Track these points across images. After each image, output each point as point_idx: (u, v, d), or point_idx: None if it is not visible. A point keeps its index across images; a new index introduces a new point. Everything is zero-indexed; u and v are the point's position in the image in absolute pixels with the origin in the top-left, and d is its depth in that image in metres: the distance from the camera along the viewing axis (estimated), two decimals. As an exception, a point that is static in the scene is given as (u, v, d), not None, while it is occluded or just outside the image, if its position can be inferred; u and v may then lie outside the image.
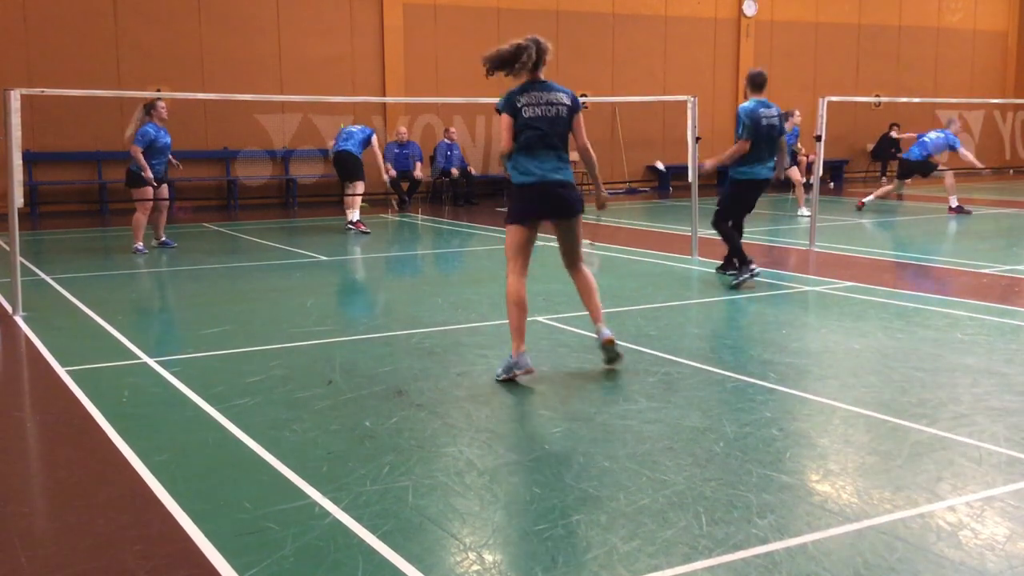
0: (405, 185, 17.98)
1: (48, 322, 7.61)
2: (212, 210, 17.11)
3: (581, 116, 6.14)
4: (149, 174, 11.38)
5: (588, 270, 6.15)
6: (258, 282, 10.06)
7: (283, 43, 18.00)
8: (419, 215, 16.53)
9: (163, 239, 12.09)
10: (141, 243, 11.71)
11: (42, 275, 9.82)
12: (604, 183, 6.84)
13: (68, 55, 16.22)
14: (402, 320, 7.75)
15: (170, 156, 11.77)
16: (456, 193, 18.43)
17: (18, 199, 8.02)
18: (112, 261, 11.88)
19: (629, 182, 21.18)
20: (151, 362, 6.26)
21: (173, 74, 16.94)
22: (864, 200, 16.60)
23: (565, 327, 7.21)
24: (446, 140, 18.47)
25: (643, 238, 13.09)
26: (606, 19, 20.97)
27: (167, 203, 12.06)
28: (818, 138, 11.68)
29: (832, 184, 22.11)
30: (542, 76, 6.01)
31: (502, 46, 5.92)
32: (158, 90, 16.16)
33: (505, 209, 6.54)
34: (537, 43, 5.90)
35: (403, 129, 18.17)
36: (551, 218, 6.06)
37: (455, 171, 18.31)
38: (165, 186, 11.84)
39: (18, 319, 7.66)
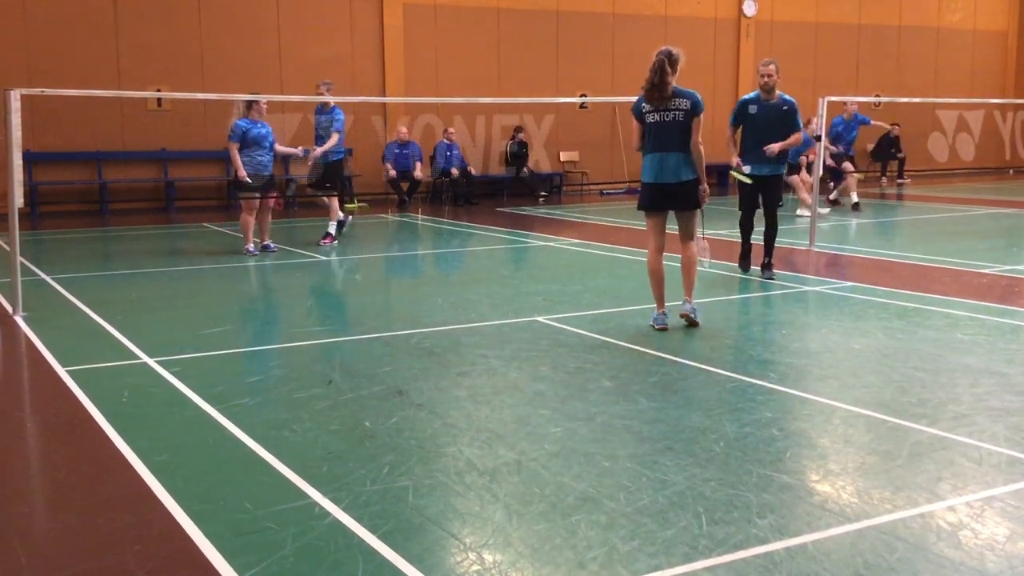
0: (405, 185, 17.98)
1: (48, 322, 7.60)
2: (212, 210, 17.11)
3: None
4: (243, 174, 11.20)
5: (695, 248, 7.28)
6: (257, 282, 10.06)
7: (283, 43, 17.99)
8: (419, 215, 16.53)
9: (266, 242, 11.65)
10: (251, 244, 11.49)
11: (42, 275, 9.82)
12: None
13: (68, 55, 16.21)
14: (402, 320, 7.75)
15: (295, 150, 11.85)
16: (456, 193, 18.42)
17: (18, 199, 8.02)
18: (112, 261, 11.89)
19: (629, 182, 21.18)
20: (151, 362, 6.26)
21: (173, 74, 16.94)
22: (840, 199, 17.35)
23: (565, 327, 7.21)
24: (445, 140, 18.46)
25: (643, 238, 13.07)
26: (606, 19, 20.97)
27: (271, 204, 11.81)
28: (818, 138, 11.69)
29: (832, 184, 22.07)
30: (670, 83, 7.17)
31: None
32: (158, 90, 16.17)
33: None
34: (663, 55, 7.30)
35: (403, 129, 18.16)
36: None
37: (455, 171, 18.31)
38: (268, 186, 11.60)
39: (18, 319, 7.66)
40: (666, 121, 7.04)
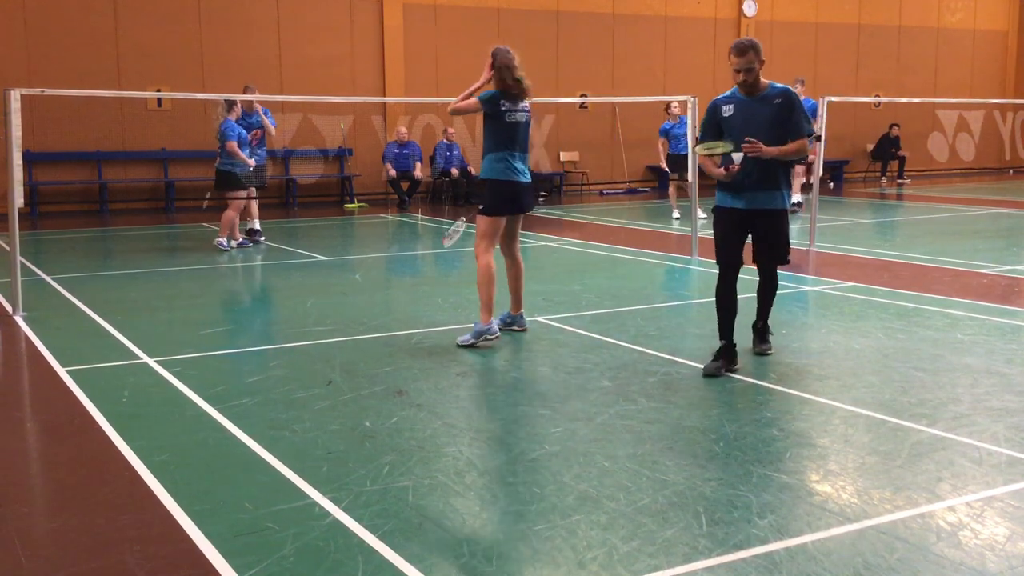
0: (405, 185, 17.98)
1: (48, 322, 7.61)
2: (212, 210, 17.10)
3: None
4: (252, 161, 11.49)
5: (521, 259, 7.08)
6: (258, 282, 10.07)
7: (283, 43, 17.99)
8: (419, 215, 16.54)
9: (241, 239, 11.96)
10: (225, 239, 11.71)
11: (42, 275, 9.82)
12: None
13: (68, 55, 16.21)
14: (402, 320, 7.75)
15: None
16: (456, 193, 18.42)
17: (18, 199, 8.02)
18: (112, 261, 11.88)
19: (629, 182, 21.18)
20: (151, 362, 6.26)
21: (173, 74, 16.94)
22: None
23: (565, 327, 7.21)
24: (445, 140, 18.47)
25: (643, 238, 13.09)
26: (606, 19, 20.97)
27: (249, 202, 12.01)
28: (818, 138, 11.68)
29: (832, 184, 22.12)
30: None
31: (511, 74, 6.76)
32: (158, 90, 16.16)
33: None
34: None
35: (403, 129, 18.17)
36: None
37: (455, 171, 18.31)
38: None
39: (18, 319, 7.66)
40: (522, 122, 6.81)
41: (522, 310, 7.09)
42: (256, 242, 12.17)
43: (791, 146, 5.87)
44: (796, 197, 16.45)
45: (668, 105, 15.03)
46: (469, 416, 5.11)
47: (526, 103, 6.83)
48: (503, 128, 6.71)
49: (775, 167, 5.88)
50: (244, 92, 12.28)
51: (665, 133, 15.01)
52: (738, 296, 6.07)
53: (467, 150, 19.18)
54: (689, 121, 11.20)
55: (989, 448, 4.51)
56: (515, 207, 6.81)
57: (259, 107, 12.28)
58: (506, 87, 6.71)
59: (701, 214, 13.48)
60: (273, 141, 12.72)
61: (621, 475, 4.20)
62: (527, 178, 6.81)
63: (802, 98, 12.72)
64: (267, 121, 12.34)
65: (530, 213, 7.28)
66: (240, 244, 11.87)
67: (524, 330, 7.02)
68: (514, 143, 6.74)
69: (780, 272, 6.40)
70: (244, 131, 11.66)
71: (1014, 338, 6.83)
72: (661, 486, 4.06)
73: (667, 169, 15.09)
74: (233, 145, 11.34)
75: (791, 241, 6.12)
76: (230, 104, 11.50)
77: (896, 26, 24.87)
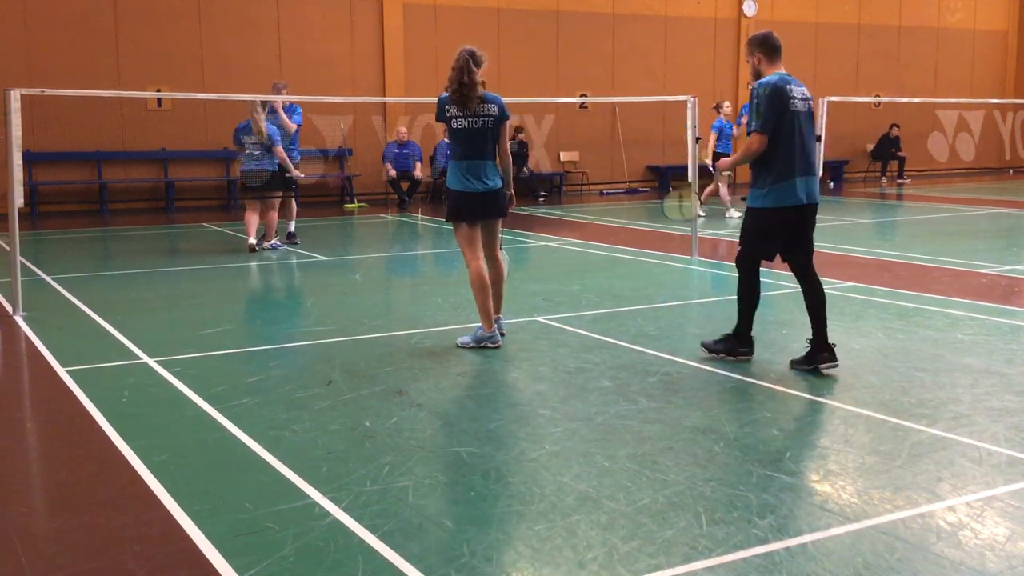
0: (405, 185, 17.98)
1: (48, 322, 7.60)
2: (212, 210, 17.12)
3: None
4: (298, 172, 11.64)
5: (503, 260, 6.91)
6: (258, 282, 10.06)
7: (283, 43, 18.00)
8: (419, 215, 16.53)
9: (271, 241, 11.99)
10: (276, 240, 11.86)
11: (42, 275, 9.82)
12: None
13: (68, 55, 16.21)
14: (402, 320, 7.75)
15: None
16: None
17: (18, 199, 8.02)
18: (112, 261, 11.89)
19: (628, 182, 21.18)
20: (151, 362, 6.26)
21: (173, 74, 16.94)
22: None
23: (565, 327, 7.21)
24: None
25: (643, 238, 13.09)
26: (606, 19, 20.97)
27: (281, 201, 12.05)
28: (818, 138, 11.67)
29: (832, 184, 22.12)
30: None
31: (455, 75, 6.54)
32: (158, 90, 16.16)
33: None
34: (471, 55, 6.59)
35: (403, 129, 18.17)
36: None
37: (455, 171, 18.29)
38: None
39: (18, 319, 7.66)
40: (475, 128, 6.49)
41: (499, 315, 6.77)
42: (294, 244, 12.14)
43: (734, 156, 6.40)
44: (731, 211, 14.94)
45: (719, 104, 15.47)
46: (469, 416, 5.11)
47: (491, 107, 6.52)
48: (452, 134, 6.58)
49: (751, 167, 6.09)
50: (274, 89, 12.28)
51: (719, 131, 15.20)
52: (814, 292, 6.04)
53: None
54: (689, 121, 11.19)
55: (989, 448, 4.51)
56: (466, 216, 6.52)
57: (278, 105, 12.27)
58: (452, 91, 6.50)
59: (700, 212, 13.51)
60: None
61: (621, 475, 4.20)
62: (482, 187, 6.49)
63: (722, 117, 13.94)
64: (285, 118, 12.15)
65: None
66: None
67: (501, 338, 6.62)
68: (464, 150, 6.50)
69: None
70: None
71: (1014, 338, 6.83)
72: (661, 486, 4.06)
73: (711, 167, 14.61)
74: (280, 150, 11.40)
75: (747, 242, 6.11)
76: (270, 105, 11.56)
77: (896, 26, 24.88)
